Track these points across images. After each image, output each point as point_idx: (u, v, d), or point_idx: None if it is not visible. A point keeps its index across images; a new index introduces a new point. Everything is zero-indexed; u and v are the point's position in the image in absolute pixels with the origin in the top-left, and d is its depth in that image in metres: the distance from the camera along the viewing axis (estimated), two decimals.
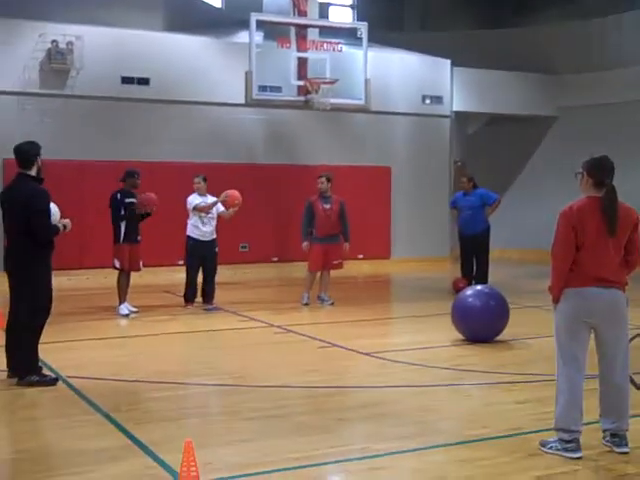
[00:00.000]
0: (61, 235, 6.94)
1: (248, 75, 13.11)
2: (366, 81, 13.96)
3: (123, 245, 10.49)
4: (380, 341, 9.10)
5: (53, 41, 14.41)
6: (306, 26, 13.81)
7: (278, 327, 9.85)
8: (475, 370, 7.40)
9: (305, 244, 11.68)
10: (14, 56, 14.48)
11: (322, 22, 14.72)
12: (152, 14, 16.66)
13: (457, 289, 11.91)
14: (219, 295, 12.15)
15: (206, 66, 15.85)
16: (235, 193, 11.28)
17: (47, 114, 14.70)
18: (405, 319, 11.15)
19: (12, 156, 6.91)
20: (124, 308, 10.68)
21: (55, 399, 6.44)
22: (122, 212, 10.41)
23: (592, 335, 5.13)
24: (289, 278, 15.11)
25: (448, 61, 18.80)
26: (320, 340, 8.93)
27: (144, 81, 15.35)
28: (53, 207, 6.95)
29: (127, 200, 10.46)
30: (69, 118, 14.96)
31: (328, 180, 11.72)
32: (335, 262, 11.75)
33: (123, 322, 10.47)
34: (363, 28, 14.12)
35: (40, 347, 6.98)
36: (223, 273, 15.53)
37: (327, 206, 11.64)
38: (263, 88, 14.14)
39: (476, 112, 19.58)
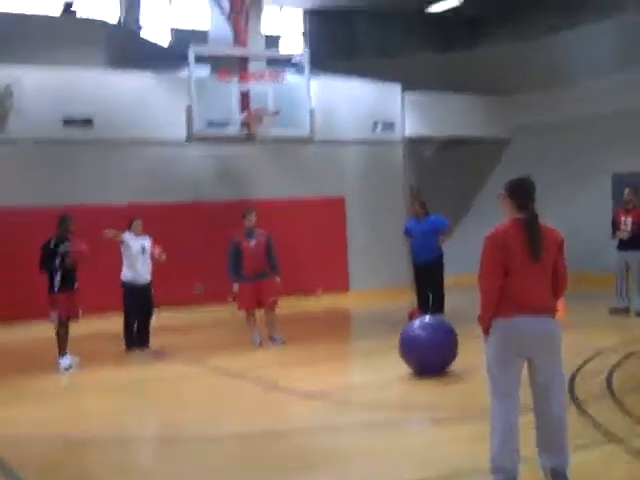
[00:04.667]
0: None
1: (188, 110, 12.78)
2: (311, 111, 13.70)
3: (59, 294, 10.05)
4: (331, 381, 8.74)
5: None
6: (246, 57, 13.56)
7: (226, 372, 9.49)
8: (420, 408, 7.11)
9: (235, 286, 11.29)
10: None
11: (262, 53, 14.47)
12: (94, 52, 16.39)
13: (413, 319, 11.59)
14: (171, 339, 11.79)
15: (152, 103, 15.56)
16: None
17: None
18: (357, 355, 10.88)
19: None
20: (65, 360, 10.23)
21: None
22: (56, 260, 10.02)
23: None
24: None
25: (398, 85, 18.66)
26: (266, 383, 8.60)
27: (87, 122, 15.00)
28: None
29: (61, 247, 10.06)
30: (7, 163, 14.56)
31: (255, 215, 11.43)
32: (270, 300, 11.35)
33: (64, 375, 10.02)
34: (305, 57, 13.84)
35: None
36: (177, 316, 15.23)
37: (252, 242, 11.30)
38: (210, 123, 13.85)
39: (429, 136, 19.45)
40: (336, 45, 24.76)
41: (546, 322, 4.78)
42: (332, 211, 17.68)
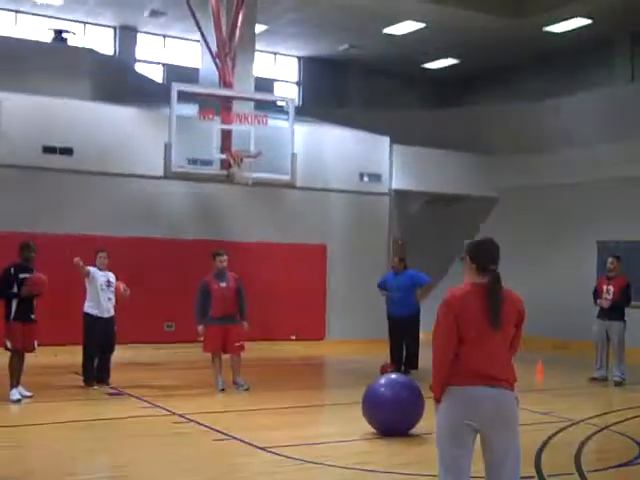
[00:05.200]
0: None
1: (167, 147, 12.54)
2: (292, 156, 13.48)
3: (15, 323, 9.66)
4: (285, 433, 8.35)
5: None
6: (231, 98, 13.38)
7: (180, 416, 9.06)
8: (376, 470, 6.69)
9: (200, 327, 10.93)
10: None
11: (246, 95, 14.26)
12: (82, 82, 16.21)
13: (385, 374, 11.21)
14: (134, 377, 11.41)
15: (134, 137, 15.36)
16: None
17: None
18: (321, 407, 10.46)
19: None
20: (16, 393, 9.77)
21: None
22: (14, 288, 9.64)
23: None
24: None
25: (387, 138, 18.56)
26: (219, 431, 8.16)
27: (67, 151, 14.76)
28: None
29: (21, 275, 9.70)
30: None
31: (226, 257, 11.13)
32: (236, 344, 11.01)
33: (13, 408, 9.57)
34: (290, 102, 13.70)
35: None
36: (145, 353, 14.85)
37: (223, 284, 10.98)
38: (190, 161, 13.61)
39: (415, 191, 19.28)
40: (329, 93, 24.78)
41: (502, 394, 4.38)
42: (312, 258, 17.40)
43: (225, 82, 13.57)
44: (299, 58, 25.52)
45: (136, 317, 14.51)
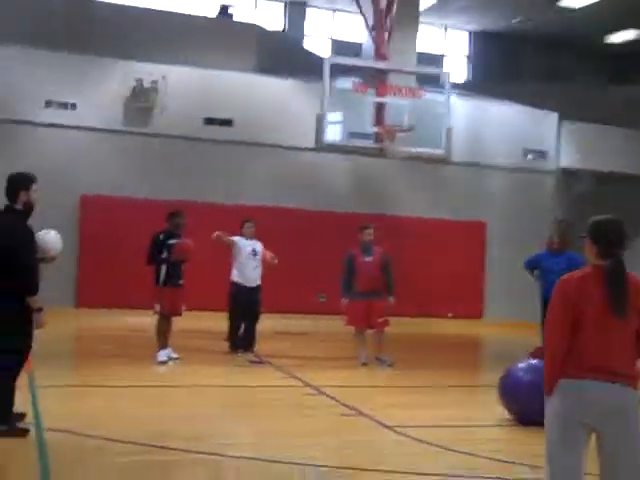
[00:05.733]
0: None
1: (319, 118, 12.55)
2: (447, 130, 13.09)
3: (164, 288, 10.04)
4: (417, 413, 8.13)
5: (138, 79, 14.43)
6: (386, 71, 13.19)
7: (314, 388, 9.06)
8: (499, 459, 6.33)
9: (344, 300, 10.86)
10: (100, 93, 14.61)
11: (403, 67, 13.96)
12: (246, 56, 16.46)
13: (536, 359, 10.73)
14: (280, 346, 11.75)
15: (292, 110, 15.53)
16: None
17: (128, 152, 14.68)
18: (462, 388, 10.10)
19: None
20: (163, 354, 10.17)
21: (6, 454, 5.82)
22: (163, 254, 9.98)
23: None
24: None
25: (555, 114, 17.70)
26: (350, 407, 8.06)
27: (227, 122, 15.11)
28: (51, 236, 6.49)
29: (170, 241, 10.03)
30: (150, 157, 14.88)
31: (373, 231, 10.95)
32: (380, 320, 10.85)
33: (160, 369, 9.94)
34: (446, 75, 13.30)
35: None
36: (296, 322, 15.07)
37: (368, 258, 10.84)
38: (346, 134, 13.56)
39: (586, 169, 18.28)
40: (500, 68, 23.95)
41: (621, 391, 3.92)
42: (471, 235, 16.96)
43: (379, 54, 13.41)
44: (470, 32, 24.82)
45: (289, 287, 14.74)
